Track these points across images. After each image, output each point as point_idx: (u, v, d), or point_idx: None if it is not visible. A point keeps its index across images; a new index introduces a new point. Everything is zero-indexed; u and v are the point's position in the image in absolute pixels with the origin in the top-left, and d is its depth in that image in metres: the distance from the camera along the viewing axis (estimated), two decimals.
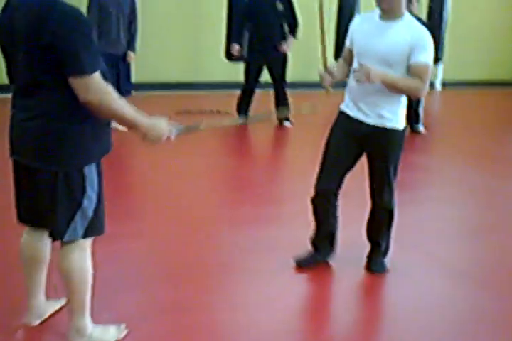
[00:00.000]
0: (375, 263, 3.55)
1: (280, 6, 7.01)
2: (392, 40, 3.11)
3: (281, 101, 7.23)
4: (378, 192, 3.42)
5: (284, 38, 7.13)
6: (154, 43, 8.82)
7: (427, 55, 3.09)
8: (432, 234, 4.22)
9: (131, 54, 6.57)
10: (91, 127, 2.43)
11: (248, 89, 7.28)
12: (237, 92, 7.47)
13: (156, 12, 8.91)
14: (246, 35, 7.33)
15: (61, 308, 2.88)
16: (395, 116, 3.26)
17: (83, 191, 2.45)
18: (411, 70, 3.11)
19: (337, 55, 8.31)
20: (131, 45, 6.55)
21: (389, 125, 3.26)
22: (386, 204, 3.42)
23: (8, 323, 2.80)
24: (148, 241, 3.84)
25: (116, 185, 4.74)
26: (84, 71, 2.25)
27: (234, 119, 2.71)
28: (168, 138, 2.52)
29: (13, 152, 2.51)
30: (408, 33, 3.09)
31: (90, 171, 2.47)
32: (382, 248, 3.55)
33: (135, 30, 6.58)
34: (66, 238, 2.48)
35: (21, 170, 2.53)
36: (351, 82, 3.28)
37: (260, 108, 7.25)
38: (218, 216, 4.37)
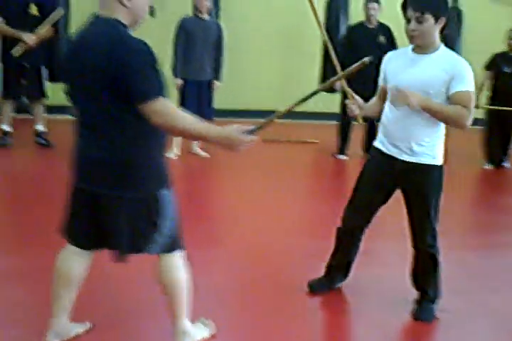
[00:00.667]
0: (421, 310, 3.34)
1: (382, 39, 6.86)
2: (430, 70, 3.00)
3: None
4: (419, 236, 3.24)
5: None
6: (248, 72, 8.92)
7: (468, 84, 2.97)
8: (495, 284, 3.87)
9: (216, 82, 6.59)
10: (157, 155, 2.61)
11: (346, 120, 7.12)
12: (329, 123, 7.42)
13: (252, 40, 8.99)
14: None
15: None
16: (431, 152, 3.11)
17: (158, 214, 2.61)
18: (454, 100, 2.97)
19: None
20: (217, 72, 6.57)
21: (424, 161, 3.11)
22: (428, 248, 3.24)
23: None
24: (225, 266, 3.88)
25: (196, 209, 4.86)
26: (148, 97, 2.37)
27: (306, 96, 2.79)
28: (248, 142, 2.55)
29: (79, 180, 2.62)
30: (446, 64, 2.98)
31: (164, 195, 2.62)
32: (430, 295, 3.34)
33: (221, 58, 6.62)
34: (147, 253, 2.66)
35: (86, 197, 2.62)
36: (385, 117, 3.19)
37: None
38: (296, 247, 4.27)
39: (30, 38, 6.13)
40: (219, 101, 6.93)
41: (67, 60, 2.55)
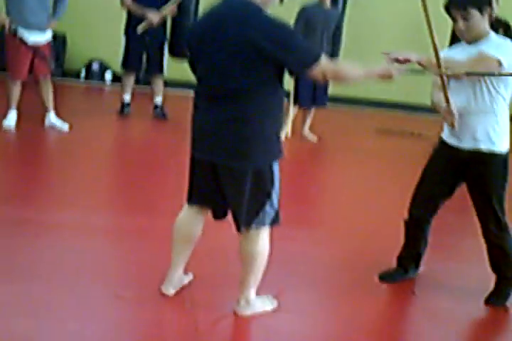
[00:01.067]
0: (492, 293, 3.34)
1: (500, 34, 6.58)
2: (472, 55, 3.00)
3: None
4: (484, 227, 3.24)
5: None
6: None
7: (497, 52, 2.92)
8: None
9: None
10: (276, 129, 2.74)
11: None
12: None
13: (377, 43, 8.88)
14: None
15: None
16: (491, 138, 3.08)
17: (272, 184, 2.74)
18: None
19: None
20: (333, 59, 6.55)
21: (485, 148, 3.09)
22: (495, 239, 3.22)
23: (149, 290, 3.08)
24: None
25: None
26: (314, 61, 2.55)
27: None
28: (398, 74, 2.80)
29: (200, 151, 2.77)
30: (495, 50, 2.95)
31: (276, 167, 2.74)
32: (508, 276, 3.31)
33: (339, 45, 6.57)
34: (253, 226, 2.78)
35: (206, 167, 2.79)
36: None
37: None
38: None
39: (154, 17, 6.34)
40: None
41: (200, 35, 2.65)
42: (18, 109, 5.81)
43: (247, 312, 2.97)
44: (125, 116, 6.75)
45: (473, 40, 3.05)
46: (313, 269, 3.55)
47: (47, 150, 5.79)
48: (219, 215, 2.95)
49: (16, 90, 5.74)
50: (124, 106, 6.77)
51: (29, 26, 5.55)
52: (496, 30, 6.32)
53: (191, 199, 2.96)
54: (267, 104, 2.66)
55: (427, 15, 2.79)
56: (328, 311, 3.23)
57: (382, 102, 9.01)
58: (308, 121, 6.77)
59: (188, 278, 3.18)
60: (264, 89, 2.63)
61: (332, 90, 6.96)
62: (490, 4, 2.98)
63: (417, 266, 3.52)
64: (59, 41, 8.28)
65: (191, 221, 2.99)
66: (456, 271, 3.73)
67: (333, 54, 6.56)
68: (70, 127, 5.86)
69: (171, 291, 3.05)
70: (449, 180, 3.25)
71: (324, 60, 2.57)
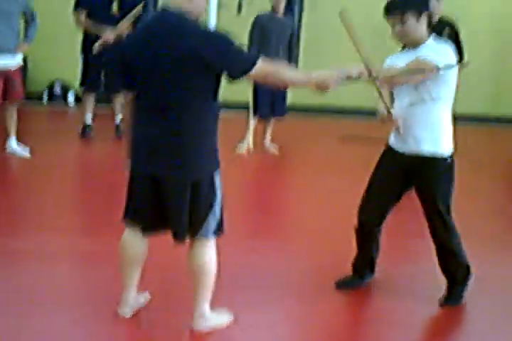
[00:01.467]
0: (446, 295, 3.41)
1: (445, 34, 6.73)
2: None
3: None
4: (431, 229, 3.31)
5: None
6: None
7: (432, 56, 3.01)
8: None
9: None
10: (214, 140, 2.80)
11: None
12: None
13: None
14: None
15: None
16: (433, 141, 3.16)
17: (214, 195, 2.80)
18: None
19: None
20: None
21: (426, 151, 3.17)
22: (443, 241, 3.30)
23: (105, 313, 3.10)
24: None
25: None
26: (252, 64, 2.65)
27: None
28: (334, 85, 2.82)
29: (140, 165, 2.81)
30: (434, 55, 3.03)
31: (217, 178, 2.81)
32: (457, 277, 3.38)
33: (294, 52, 6.68)
34: (198, 238, 2.83)
35: (148, 181, 2.81)
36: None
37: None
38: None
39: (110, 34, 6.36)
40: None
41: (137, 49, 2.70)
42: None
43: (203, 326, 2.99)
44: (87, 137, 6.75)
45: (413, 45, 3.14)
46: (272, 281, 3.60)
47: (8, 176, 5.77)
48: (179, 237, 2.90)
49: None
50: (85, 127, 6.79)
51: None
52: (440, 32, 6.53)
53: (132, 220, 2.95)
54: (204, 116, 2.73)
55: (348, 28, 2.91)
56: (287, 321, 3.26)
57: (344, 109, 9.12)
58: (269, 133, 6.85)
59: (144, 298, 3.19)
60: (202, 100, 2.70)
61: (291, 99, 7.06)
62: (427, 8, 3.09)
63: (371, 271, 3.59)
64: None
65: (135, 242, 2.99)
66: (410, 273, 3.80)
67: (290, 61, 6.66)
68: (32, 151, 5.87)
69: (127, 313, 3.07)
70: (396, 185, 3.32)
71: (262, 63, 2.67)
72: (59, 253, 3.81)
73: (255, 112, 6.64)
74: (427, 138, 3.15)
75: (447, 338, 3.31)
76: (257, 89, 6.51)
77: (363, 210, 3.42)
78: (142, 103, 2.78)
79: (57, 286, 3.37)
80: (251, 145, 6.69)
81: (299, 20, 8.77)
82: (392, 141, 3.32)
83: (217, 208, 2.85)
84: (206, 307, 2.99)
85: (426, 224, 3.34)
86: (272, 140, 6.87)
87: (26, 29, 5.85)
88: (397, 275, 3.75)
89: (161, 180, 2.78)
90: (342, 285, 3.55)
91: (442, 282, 3.42)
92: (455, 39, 6.79)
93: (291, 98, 7.09)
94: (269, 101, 6.59)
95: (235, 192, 5.26)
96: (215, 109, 2.79)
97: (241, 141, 6.68)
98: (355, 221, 3.45)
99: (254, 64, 2.65)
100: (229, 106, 8.71)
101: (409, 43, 3.16)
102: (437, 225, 3.27)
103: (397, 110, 3.20)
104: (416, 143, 3.17)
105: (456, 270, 3.36)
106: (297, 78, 2.85)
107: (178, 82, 2.65)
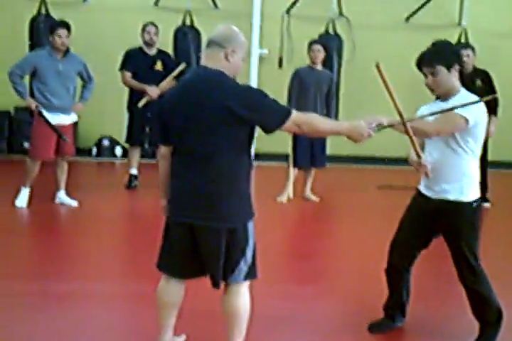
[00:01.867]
0: (480, 339, 3.42)
1: (479, 83, 6.89)
2: None
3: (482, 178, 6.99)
4: (460, 273, 3.37)
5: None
6: None
7: (462, 110, 3.12)
8: None
9: None
10: (247, 189, 2.94)
11: None
12: None
13: None
14: None
15: None
16: (459, 189, 3.26)
17: (247, 242, 2.92)
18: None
19: None
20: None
21: (452, 198, 3.28)
22: (472, 284, 3.34)
23: None
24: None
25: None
26: (286, 116, 2.79)
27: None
28: (369, 135, 2.98)
29: (179, 214, 2.93)
30: (462, 108, 3.13)
31: (251, 225, 2.94)
32: (488, 320, 3.40)
33: (332, 105, 6.86)
34: (229, 280, 2.94)
35: (183, 231, 2.93)
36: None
37: None
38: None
39: (153, 91, 6.69)
40: None
41: (175, 104, 2.87)
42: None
43: None
44: (133, 188, 7.03)
45: (445, 96, 3.29)
46: (307, 324, 3.67)
47: (57, 225, 5.98)
48: (181, 275, 3.04)
49: (34, 170, 5.98)
50: (131, 179, 7.06)
51: (52, 108, 5.84)
52: (474, 81, 6.62)
53: (160, 266, 3.06)
54: (239, 165, 2.86)
55: (383, 79, 3.02)
56: None
57: (382, 158, 9.27)
58: (309, 182, 6.97)
59: (180, 340, 3.29)
60: (237, 150, 2.83)
61: (331, 149, 7.21)
62: (457, 61, 3.25)
63: (403, 314, 3.63)
64: None
65: (172, 288, 3.09)
66: (442, 316, 3.82)
67: (328, 114, 6.81)
68: (80, 202, 6.13)
69: None
70: (424, 230, 3.41)
71: (296, 114, 2.80)
72: (105, 296, 3.97)
73: (295, 163, 6.79)
74: (453, 186, 3.26)
75: None
76: (296, 140, 6.69)
77: (392, 252, 3.51)
78: (179, 155, 2.91)
79: (103, 329, 3.51)
80: (291, 195, 6.82)
81: (338, 73, 9.01)
82: (422, 187, 3.43)
83: (249, 254, 2.94)
84: None
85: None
86: (313, 189, 6.99)
87: (82, 90, 6.21)
88: (429, 319, 3.78)
89: (198, 229, 2.89)
90: (374, 328, 3.60)
91: (475, 325, 3.44)
92: (489, 86, 6.92)
93: (330, 148, 7.24)
94: (309, 152, 6.74)
95: (274, 238, 5.40)
96: (249, 159, 2.92)
97: (282, 191, 6.83)
98: None
99: (287, 116, 2.78)
100: (271, 156, 9.04)
101: (442, 94, 3.30)
102: (464, 270, 3.32)
103: (427, 157, 3.30)
104: (443, 191, 3.28)
105: (486, 313, 3.38)
106: (330, 127, 2.97)
107: (213, 133, 2.78)
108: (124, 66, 6.93)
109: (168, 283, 3.09)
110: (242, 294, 2.99)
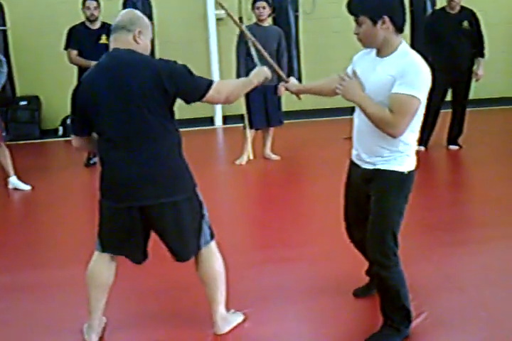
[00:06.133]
0: (376, 335, 3.06)
1: (466, 25, 6.79)
2: (379, 77, 2.79)
3: (457, 121, 7.12)
4: (368, 245, 2.99)
5: (472, 58, 6.94)
6: None
7: (408, 88, 2.68)
8: None
9: (280, 87, 6.68)
10: (183, 156, 2.98)
11: (432, 109, 6.94)
12: None
13: None
14: None
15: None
16: (391, 158, 2.87)
17: (201, 207, 3.00)
18: (389, 103, 2.73)
19: None
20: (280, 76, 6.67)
21: (382, 166, 2.90)
22: (377, 261, 2.96)
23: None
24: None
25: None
26: (205, 92, 2.88)
27: None
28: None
29: (124, 200, 2.90)
30: (396, 67, 2.74)
31: (198, 191, 3.03)
32: (394, 320, 3.05)
33: (283, 64, 6.72)
34: (202, 246, 3.03)
35: (129, 215, 2.92)
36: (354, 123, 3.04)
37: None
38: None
39: None
40: None
41: (96, 89, 2.82)
42: None
43: (225, 328, 3.17)
44: (92, 166, 6.86)
45: (380, 52, 2.84)
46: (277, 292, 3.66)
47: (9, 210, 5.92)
48: (140, 259, 3.10)
49: None
50: (89, 156, 6.94)
51: None
52: (461, 21, 6.48)
53: (106, 248, 3.06)
54: (171, 136, 2.89)
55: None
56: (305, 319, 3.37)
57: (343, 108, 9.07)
58: (269, 142, 6.90)
59: (103, 322, 3.26)
60: (169, 123, 2.87)
61: (287, 106, 7.10)
62: (388, 13, 2.71)
63: None
64: (34, 103, 8.72)
65: (105, 268, 3.10)
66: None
67: (280, 69, 6.67)
68: (38, 185, 6.08)
69: (94, 339, 3.14)
70: (362, 199, 3.05)
71: (216, 84, 2.90)
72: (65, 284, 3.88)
73: (251, 125, 6.71)
74: (384, 155, 2.88)
75: None
76: (249, 101, 6.60)
77: (347, 225, 3.30)
78: (109, 141, 2.86)
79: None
80: (251, 156, 6.76)
81: (296, 27, 8.83)
82: (353, 155, 3.10)
83: (206, 213, 3.04)
84: (223, 309, 3.19)
85: None
86: (273, 148, 6.91)
87: None
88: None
89: (151, 208, 2.88)
90: (359, 293, 3.53)
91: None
92: (476, 27, 6.77)
93: (286, 105, 7.14)
94: (263, 112, 6.65)
95: (235, 202, 5.36)
96: (178, 129, 2.94)
97: (241, 154, 6.78)
98: None
99: (209, 87, 2.88)
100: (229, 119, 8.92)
101: (376, 48, 2.86)
102: (371, 235, 2.97)
103: (355, 125, 3.03)
104: (373, 159, 2.92)
105: (393, 311, 3.05)
106: (242, 83, 3.18)
107: (142, 111, 2.78)
108: (68, 44, 6.80)
109: (101, 261, 3.09)
110: (214, 254, 3.10)
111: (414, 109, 2.72)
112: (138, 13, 2.96)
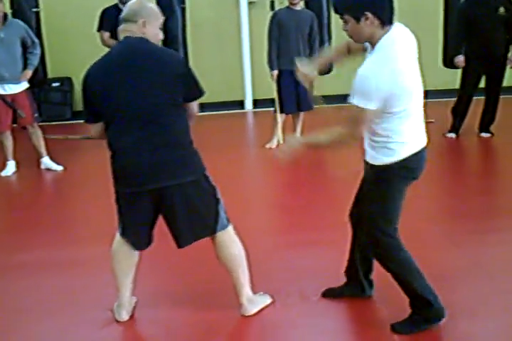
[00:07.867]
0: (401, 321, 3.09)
1: (502, 11, 6.65)
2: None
3: (490, 108, 7.00)
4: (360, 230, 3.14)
5: (507, 45, 6.81)
6: None
7: (354, 95, 2.71)
8: None
9: None
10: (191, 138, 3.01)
11: (464, 95, 6.98)
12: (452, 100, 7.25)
13: None
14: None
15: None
16: (381, 152, 2.92)
17: (214, 189, 3.02)
18: None
19: None
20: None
21: (372, 160, 2.99)
22: (366, 237, 3.06)
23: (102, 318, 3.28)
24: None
25: None
26: (202, 94, 2.97)
27: None
28: None
29: (139, 184, 2.90)
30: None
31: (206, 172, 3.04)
32: (414, 308, 3.08)
33: (315, 48, 6.69)
34: (219, 230, 3.04)
35: (144, 200, 2.94)
36: None
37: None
38: None
39: None
40: None
41: (111, 76, 2.84)
42: (16, 157, 6.12)
43: (253, 310, 3.20)
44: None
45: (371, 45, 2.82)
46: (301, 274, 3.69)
47: (43, 190, 6.05)
48: (143, 246, 3.14)
49: (6, 142, 6.04)
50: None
51: (3, 80, 5.78)
52: (497, 7, 6.36)
53: (126, 234, 3.10)
54: (184, 121, 2.93)
55: None
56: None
57: None
58: (299, 127, 6.89)
59: (133, 301, 3.32)
60: (180, 110, 2.90)
61: (317, 90, 7.05)
62: (370, 9, 2.66)
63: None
64: (66, 84, 8.81)
65: (128, 249, 3.14)
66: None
67: (312, 53, 6.65)
68: (67, 167, 6.17)
69: (124, 316, 3.21)
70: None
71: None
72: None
73: (281, 109, 6.70)
74: (376, 149, 2.94)
75: None
76: (281, 85, 6.60)
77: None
78: (125, 125, 2.87)
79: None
80: (281, 140, 6.75)
81: (328, 10, 8.76)
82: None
83: (220, 198, 3.04)
84: (249, 291, 3.22)
85: None
86: (303, 132, 6.86)
87: (28, 56, 6.04)
88: None
89: (169, 190, 2.89)
90: (329, 293, 3.47)
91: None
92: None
93: (317, 90, 7.09)
94: (294, 97, 6.62)
95: (264, 185, 5.38)
96: (186, 114, 2.96)
97: (271, 138, 6.79)
98: None
99: (203, 94, 2.96)
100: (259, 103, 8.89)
101: (361, 42, 2.87)
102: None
103: None
104: (369, 153, 3.01)
105: (411, 299, 3.08)
106: None
107: (159, 95, 2.82)
108: (101, 26, 6.83)
109: (124, 243, 3.12)
110: (232, 238, 3.11)
111: (356, 116, 2.76)
112: (143, 2, 2.94)
